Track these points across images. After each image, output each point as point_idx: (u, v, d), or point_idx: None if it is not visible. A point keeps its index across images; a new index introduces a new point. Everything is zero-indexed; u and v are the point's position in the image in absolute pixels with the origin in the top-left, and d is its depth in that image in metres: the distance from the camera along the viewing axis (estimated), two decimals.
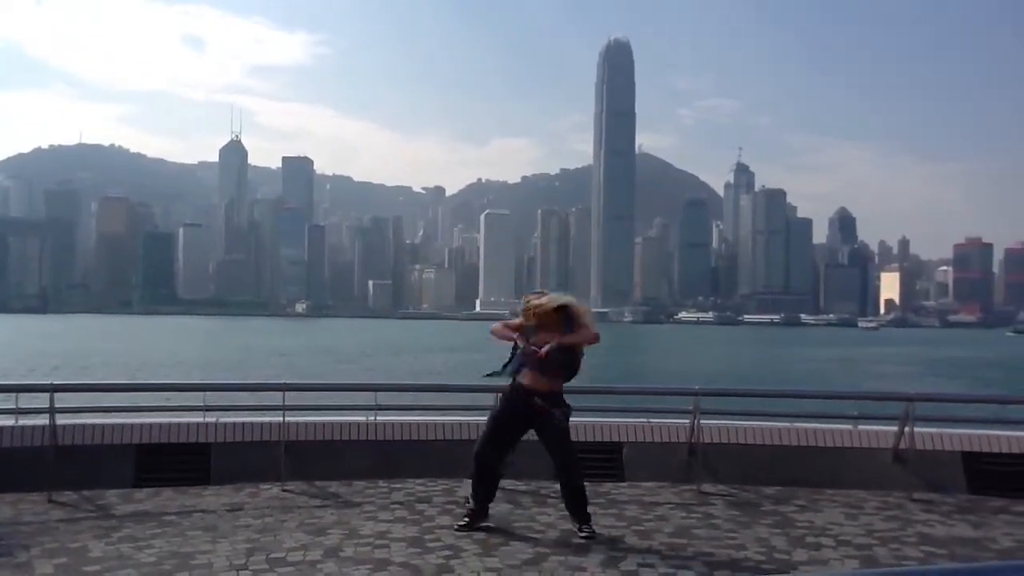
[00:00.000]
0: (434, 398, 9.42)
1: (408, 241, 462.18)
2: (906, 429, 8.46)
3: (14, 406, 8.55)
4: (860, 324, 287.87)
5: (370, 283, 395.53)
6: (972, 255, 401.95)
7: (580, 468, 6.86)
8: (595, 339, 6.88)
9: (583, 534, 6.51)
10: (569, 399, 10.20)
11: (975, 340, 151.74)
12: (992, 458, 8.61)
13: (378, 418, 9.03)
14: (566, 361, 6.79)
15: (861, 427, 9.00)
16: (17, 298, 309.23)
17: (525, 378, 6.80)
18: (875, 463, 8.69)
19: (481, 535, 6.57)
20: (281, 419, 8.61)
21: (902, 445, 8.55)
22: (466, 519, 6.79)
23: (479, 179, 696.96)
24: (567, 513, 6.78)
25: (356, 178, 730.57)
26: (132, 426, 8.63)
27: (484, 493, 6.86)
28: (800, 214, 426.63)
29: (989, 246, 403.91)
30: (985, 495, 8.26)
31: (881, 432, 8.88)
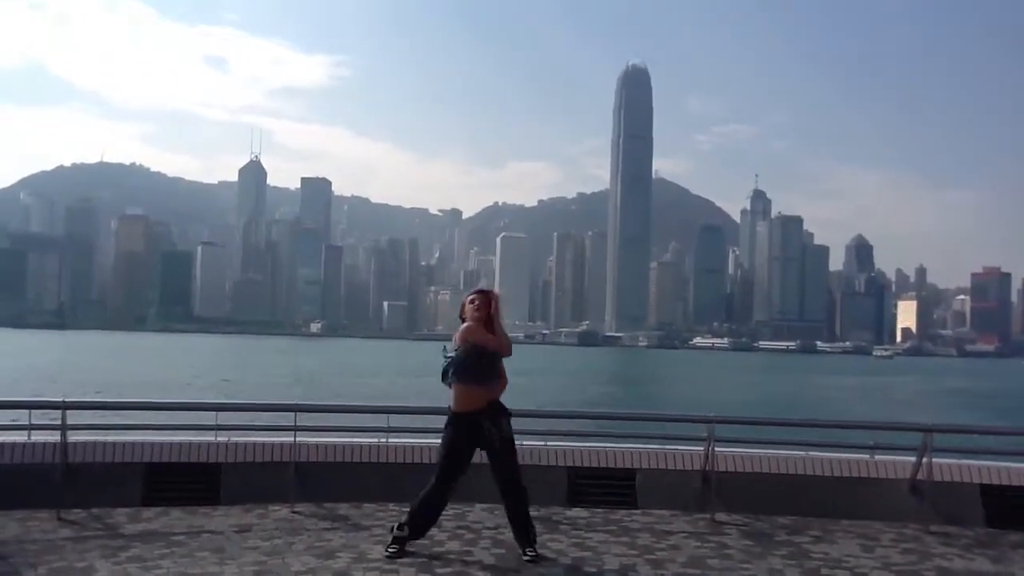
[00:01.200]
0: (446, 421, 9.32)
1: (424, 263, 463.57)
2: (924, 460, 8.33)
3: (26, 422, 8.55)
4: (874, 352, 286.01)
5: (385, 304, 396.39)
6: (990, 284, 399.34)
7: (524, 486, 6.74)
8: (508, 351, 6.77)
9: (528, 556, 6.47)
10: (583, 425, 10.14)
11: (987, 371, 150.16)
12: (1012, 491, 8.47)
13: (389, 440, 8.98)
14: (491, 372, 6.69)
15: (878, 457, 8.88)
16: (35, 314, 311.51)
17: (459, 401, 6.67)
18: (892, 494, 8.57)
19: (491, 560, 6.49)
20: (292, 440, 8.57)
21: (919, 476, 8.42)
22: (396, 546, 6.59)
23: (495, 202, 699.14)
24: (515, 536, 6.68)
25: (373, 199, 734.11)
26: (143, 445, 8.61)
27: (419, 526, 6.73)
28: (816, 240, 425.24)
29: (1007, 275, 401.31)
30: (1004, 529, 8.12)
31: (898, 463, 8.76)
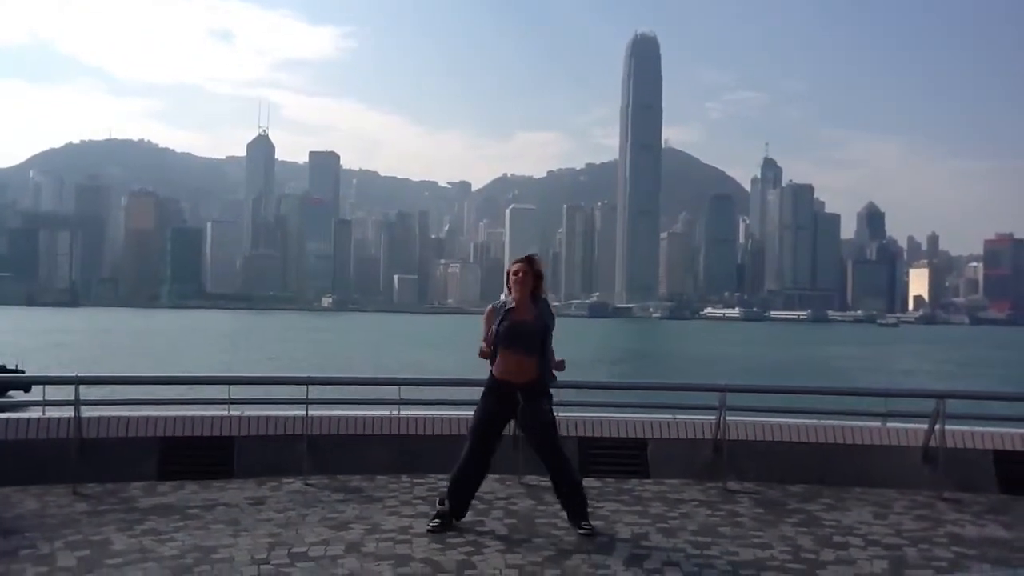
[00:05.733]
0: (458, 392, 9.32)
1: (433, 236, 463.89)
2: (936, 427, 8.30)
3: (40, 398, 8.60)
4: (879, 321, 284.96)
5: (395, 278, 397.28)
6: (1003, 251, 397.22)
7: (571, 463, 6.70)
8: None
9: (583, 530, 6.39)
10: (594, 395, 10.12)
11: (987, 338, 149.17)
12: None
13: (401, 412, 8.99)
14: (541, 340, 6.53)
15: (889, 424, 8.85)
16: (47, 292, 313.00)
17: (501, 368, 6.55)
18: (904, 461, 8.54)
19: (504, 531, 6.51)
20: (304, 413, 8.59)
21: (932, 443, 8.39)
22: (438, 520, 6.51)
23: (504, 174, 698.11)
24: (565, 512, 6.63)
25: (382, 173, 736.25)
26: (156, 419, 8.65)
27: (459, 501, 6.64)
28: (828, 209, 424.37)
29: (1021, 242, 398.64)
30: (1017, 495, 8.10)
31: (910, 430, 8.72)
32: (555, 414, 6.74)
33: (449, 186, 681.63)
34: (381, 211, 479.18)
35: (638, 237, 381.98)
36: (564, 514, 6.65)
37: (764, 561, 5.91)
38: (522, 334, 6.48)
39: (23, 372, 28.81)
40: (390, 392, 9.26)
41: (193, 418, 8.69)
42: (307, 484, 8.09)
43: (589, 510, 6.62)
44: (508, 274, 6.62)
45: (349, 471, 8.43)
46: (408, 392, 9.32)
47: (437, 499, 6.76)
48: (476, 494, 6.83)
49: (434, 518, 6.55)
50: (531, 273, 6.57)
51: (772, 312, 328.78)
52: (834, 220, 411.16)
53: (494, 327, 6.50)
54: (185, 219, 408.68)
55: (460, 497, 6.63)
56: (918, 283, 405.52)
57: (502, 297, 6.65)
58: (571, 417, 8.97)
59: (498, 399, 6.58)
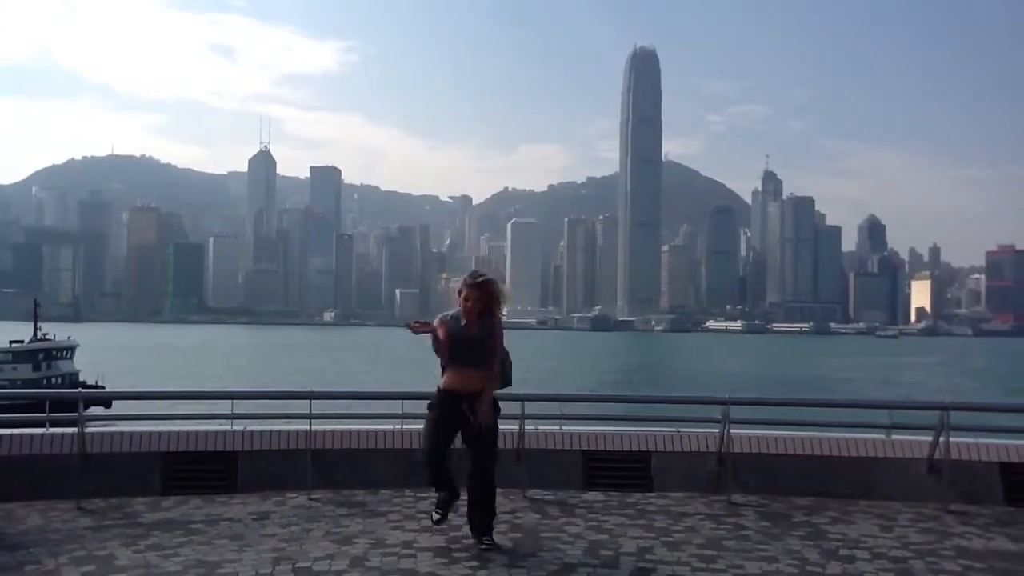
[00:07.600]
0: None
1: (435, 250, 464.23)
2: (941, 439, 8.28)
3: (44, 414, 8.61)
4: (878, 333, 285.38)
5: (397, 292, 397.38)
6: (1005, 263, 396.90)
7: (492, 476, 6.57)
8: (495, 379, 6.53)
9: (485, 544, 6.34)
10: (597, 409, 10.12)
11: (991, 349, 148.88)
12: None
13: (404, 426, 8.98)
14: (481, 355, 6.42)
15: (894, 437, 8.82)
16: (50, 307, 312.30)
17: (447, 380, 6.51)
18: (909, 474, 8.52)
19: (509, 545, 6.49)
20: (308, 427, 8.59)
21: (937, 455, 8.36)
22: (440, 511, 6.56)
23: (506, 187, 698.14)
24: (470, 524, 6.54)
25: (383, 187, 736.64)
26: (160, 434, 8.66)
27: (447, 487, 6.59)
28: (830, 220, 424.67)
29: (1023, 253, 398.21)
30: (1023, 507, 8.07)
31: (915, 442, 8.70)
32: (499, 425, 6.67)
33: (450, 200, 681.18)
34: (382, 225, 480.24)
35: (639, 250, 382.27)
36: (481, 526, 6.51)
37: (770, 574, 5.90)
38: (466, 345, 6.39)
39: (103, 388, 28.54)
40: (393, 406, 9.26)
41: (196, 433, 8.70)
42: (311, 499, 8.08)
43: (593, 524, 6.58)
44: (458, 293, 6.51)
45: (353, 485, 8.42)
46: (411, 406, 9.31)
47: (434, 506, 6.71)
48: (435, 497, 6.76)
49: (436, 508, 6.59)
50: (482, 300, 6.44)
51: (774, 324, 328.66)
52: (835, 232, 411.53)
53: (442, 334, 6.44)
54: (187, 234, 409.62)
55: (444, 483, 6.59)
56: (920, 295, 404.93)
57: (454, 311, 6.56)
58: (575, 431, 8.96)
59: (444, 409, 6.50)
